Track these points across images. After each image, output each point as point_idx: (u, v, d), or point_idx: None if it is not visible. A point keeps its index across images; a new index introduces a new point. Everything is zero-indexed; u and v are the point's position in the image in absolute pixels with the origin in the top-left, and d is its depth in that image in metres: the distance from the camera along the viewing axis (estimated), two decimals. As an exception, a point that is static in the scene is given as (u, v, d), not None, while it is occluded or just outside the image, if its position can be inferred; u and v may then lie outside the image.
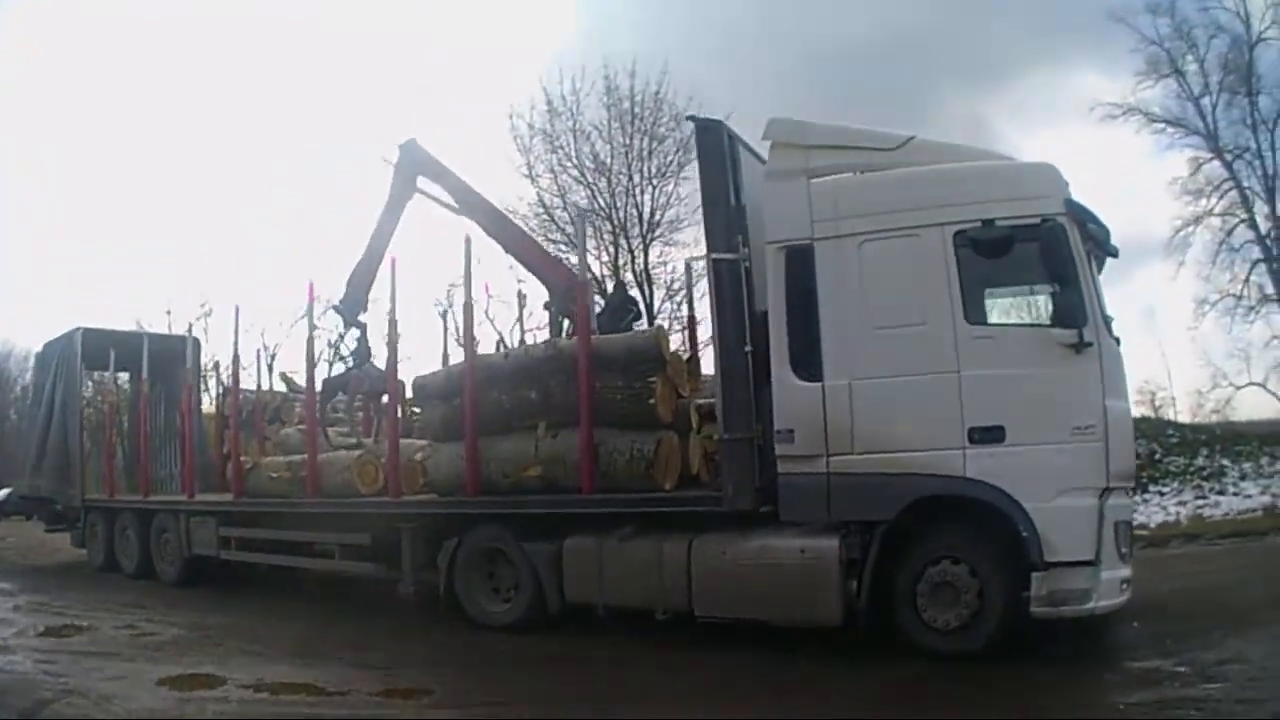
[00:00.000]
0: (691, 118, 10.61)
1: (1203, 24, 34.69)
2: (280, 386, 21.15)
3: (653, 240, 31.33)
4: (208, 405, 22.25)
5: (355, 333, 15.02)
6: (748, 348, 9.49)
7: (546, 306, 15.22)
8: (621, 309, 16.32)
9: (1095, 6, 45.87)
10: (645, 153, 31.13)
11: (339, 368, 15.42)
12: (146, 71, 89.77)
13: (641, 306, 17.22)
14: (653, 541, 9.92)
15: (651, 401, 10.39)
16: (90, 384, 22.67)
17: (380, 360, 14.41)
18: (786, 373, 9.30)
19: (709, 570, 9.44)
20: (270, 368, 26.32)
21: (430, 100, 61.35)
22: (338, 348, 15.62)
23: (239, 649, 11.41)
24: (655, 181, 31.32)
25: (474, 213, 14.69)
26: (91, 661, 10.74)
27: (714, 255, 9.55)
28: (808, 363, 9.20)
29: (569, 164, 31.58)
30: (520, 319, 17.89)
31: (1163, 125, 36.81)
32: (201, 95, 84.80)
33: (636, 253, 31.49)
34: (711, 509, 9.59)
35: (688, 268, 16.05)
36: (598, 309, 15.25)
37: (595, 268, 29.37)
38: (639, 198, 31.14)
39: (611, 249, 31.71)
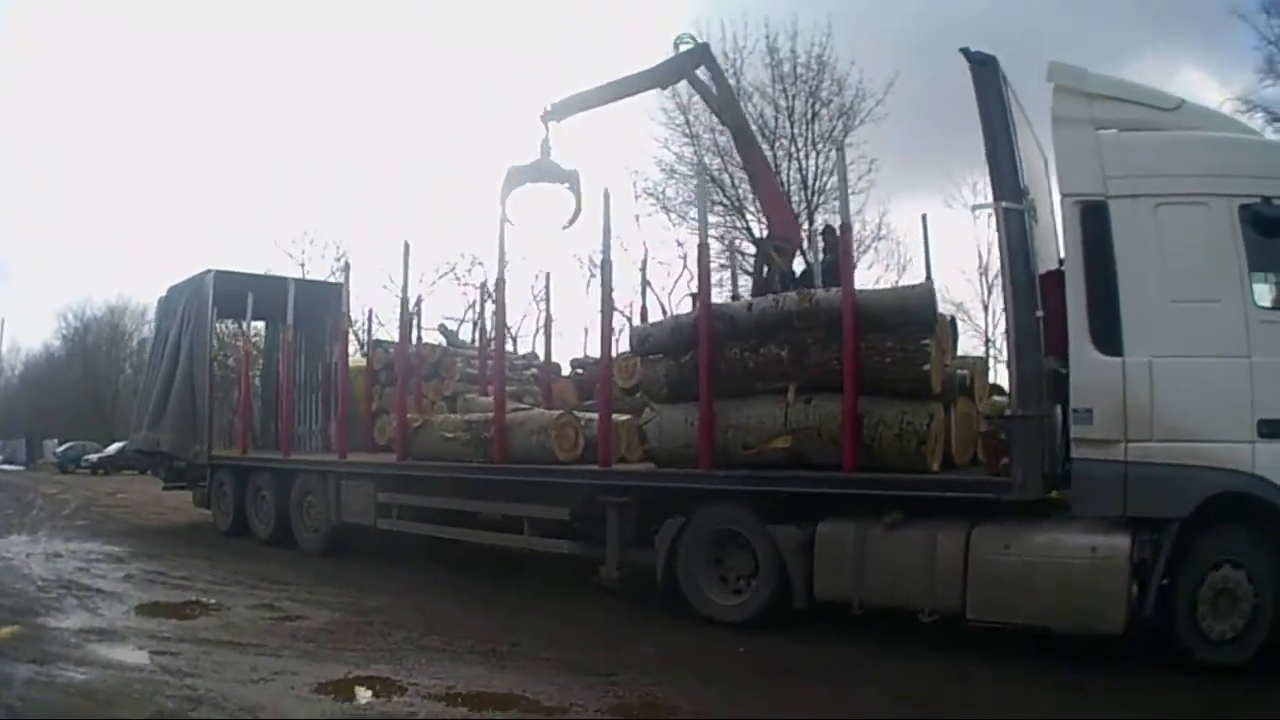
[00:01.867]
0: (964, 51, 8.91)
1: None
2: (438, 339, 18.54)
3: (818, 206, 29.88)
4: (355, 358, 19.87)
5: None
6: (1039, 312, 8.21)
7: (756, 243, 15.45)
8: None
9: (1198, 4, 43.17)
10: (809, 116, 30.07)
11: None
12: (275, 22, 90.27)
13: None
14: (925, 531, 8.33)
15: (926, 367, 8.84)
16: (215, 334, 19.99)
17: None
18: (1086, 344, 8.02)
19: (989, 567, 7.97)
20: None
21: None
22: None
23: (413, 642, 9.18)
24: (819, 146, 30.17)
25: (734, 122, 15.09)
26: (225, 655, 8.50)
27: (1005, 204, 8.29)
28: (1107, 334, 7.97)
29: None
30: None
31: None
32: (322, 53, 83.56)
33: (800, 219, 29.24)
34: (998, 496, 8.11)
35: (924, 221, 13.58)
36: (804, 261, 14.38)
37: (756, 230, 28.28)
38: (803, 162, 30.04)
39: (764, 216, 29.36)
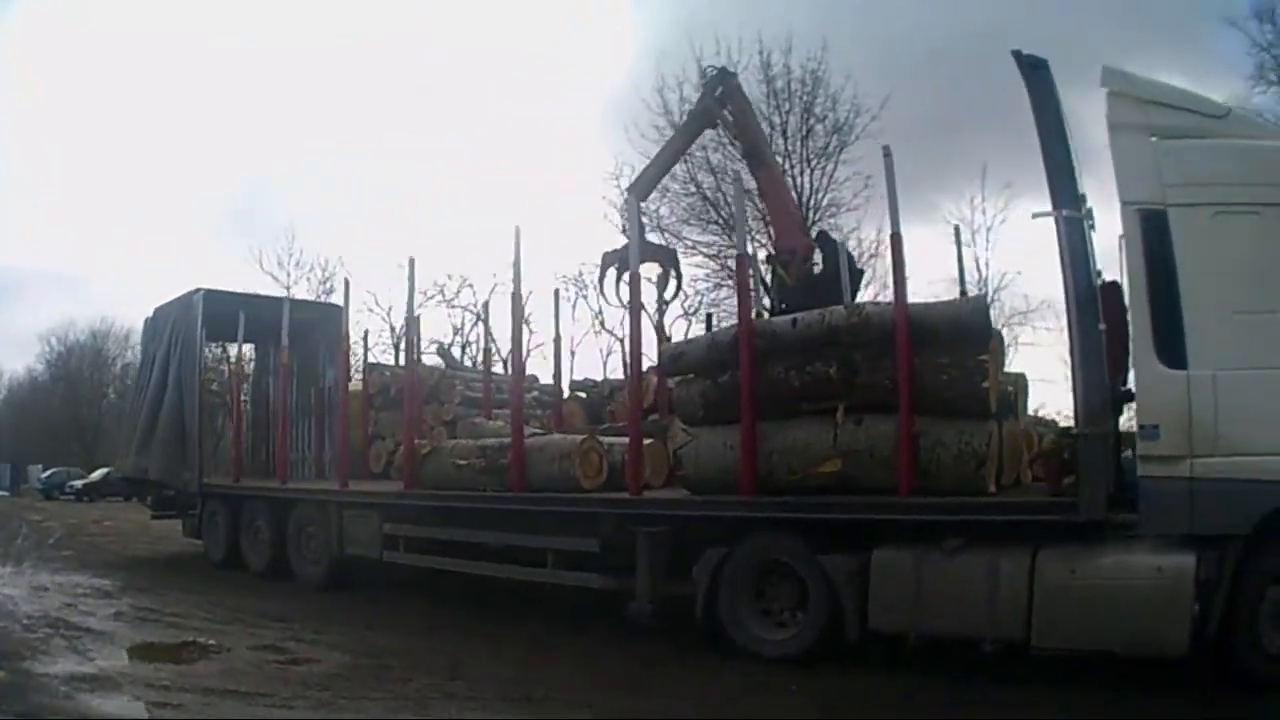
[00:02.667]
0: (1016, 54, 8.60)
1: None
2: (435, 361, 17.56)
3: (813, 224, 28.42)
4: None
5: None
6: (1101, 325, 7.89)
7: (769, 260, 14.19)
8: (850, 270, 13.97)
9: (1178, 9, 43.31)
10: (803, 132, 29.66)
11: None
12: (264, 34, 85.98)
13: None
14: (987, 557, 7.80)
15: (985, 384, 8.29)
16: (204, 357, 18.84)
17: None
18: (1151, 358, 7.74)
19: (1054, 592, 7.50)
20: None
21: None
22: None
23: (437, 689, 8.30)
24: (813, 162, 29.87)
25: (751, 142, 15.48)
26: (230, 706, 7.62)
27: (1064, 213, 7.93)
28: (1172, 347, 7.67)
29: (724, 138, 28.37)
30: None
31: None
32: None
33: None
34: (1066, 518, 7.66)
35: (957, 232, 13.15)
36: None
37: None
38: (797, 179, 29.24)
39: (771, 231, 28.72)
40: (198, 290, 16.84)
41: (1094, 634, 7.43)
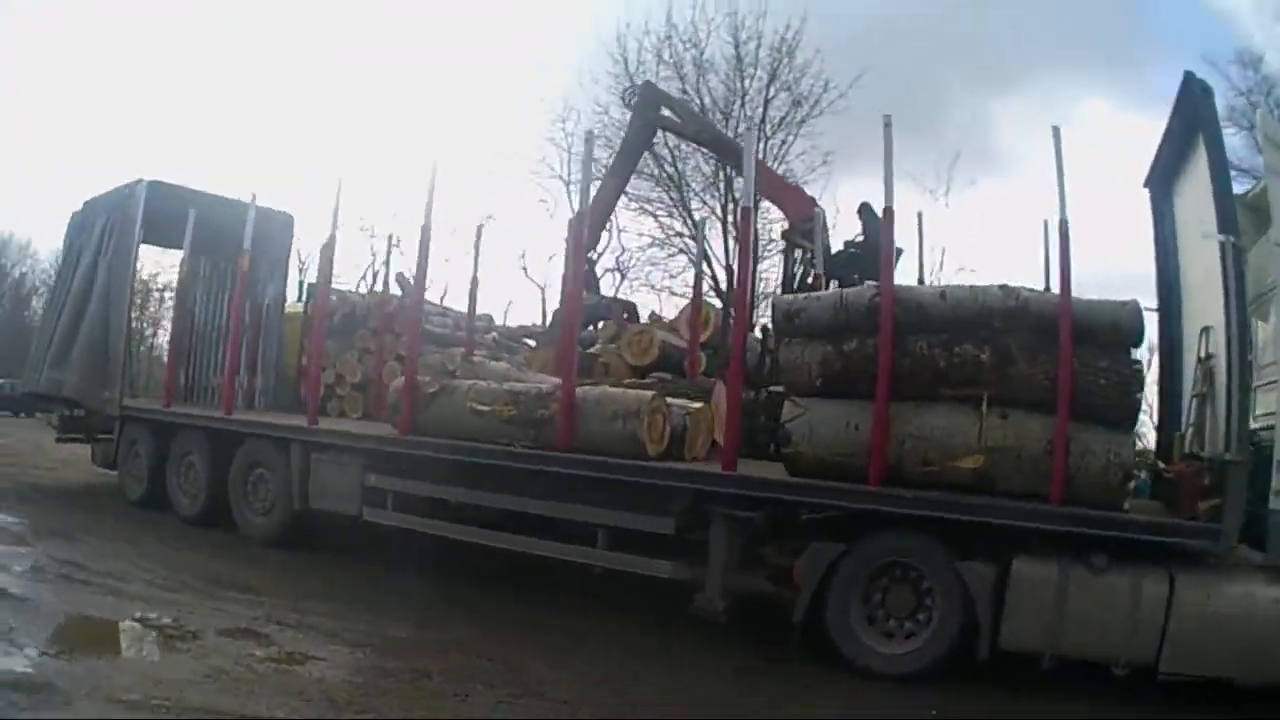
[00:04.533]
0: (1190, 75, 8.25)
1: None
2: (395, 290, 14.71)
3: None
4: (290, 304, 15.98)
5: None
6: (1250, 355, 7.43)
7: (784, 235, 13.26)
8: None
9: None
10: (764, 99, 27.54)
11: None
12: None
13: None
14: (1131, 577, 6.93)
15: (1139, 395, 7.56)
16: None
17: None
18: None
19: (1189, 618, 6.79)
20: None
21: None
22: None
23: (510, 710, 6.14)
24: (770, 131, 27.59)
25: (710, 139, 15.65)
26: None
27: (1231, 239, 7.23)
28: None
29: (690, 96, 26.81)
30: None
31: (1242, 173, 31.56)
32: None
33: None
34: (1210, 545, 6.89)
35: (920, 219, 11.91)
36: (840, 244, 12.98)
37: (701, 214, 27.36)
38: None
39: (723, 195, 27.85)
40: (139, 181, 13.55)
41: (1220, 661, 6.79)
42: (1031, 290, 7.74)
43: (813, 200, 13.34)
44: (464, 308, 13.68)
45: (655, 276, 29.68)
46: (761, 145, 26.60)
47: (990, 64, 45.20)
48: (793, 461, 7.88)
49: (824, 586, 7.49)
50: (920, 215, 9.09)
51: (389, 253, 15.37)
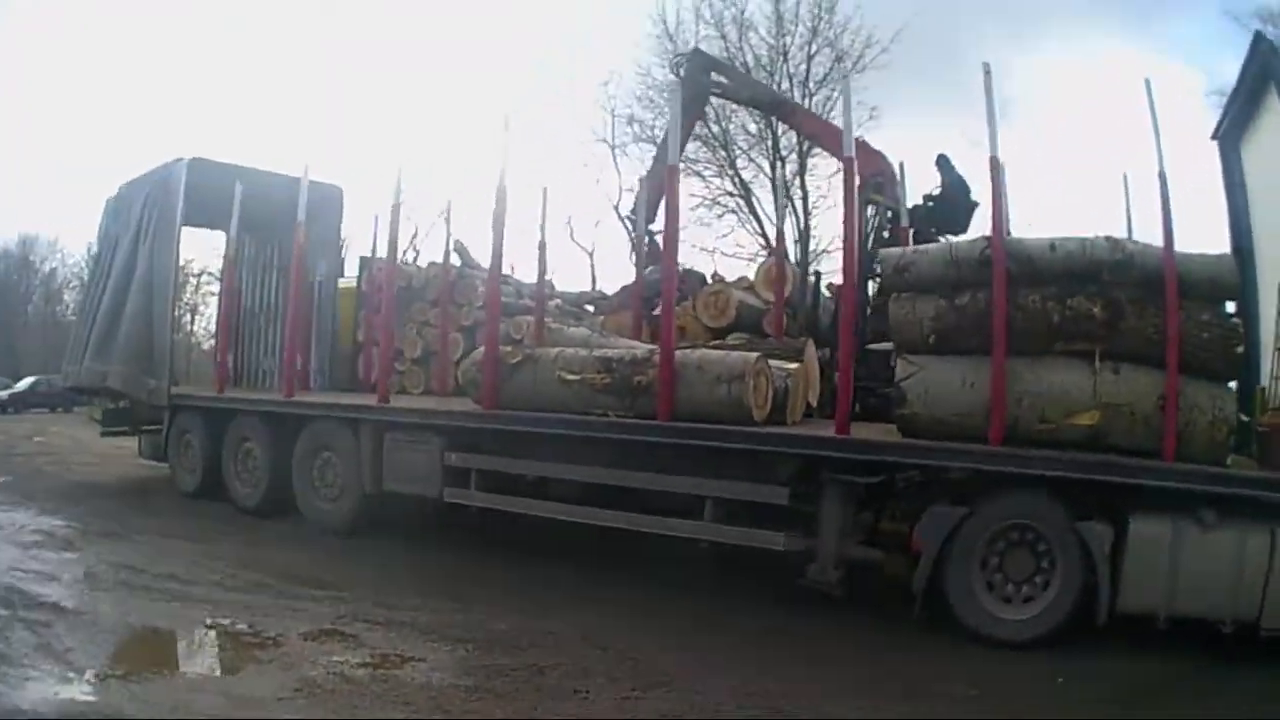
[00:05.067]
0: (1259, 36, 8.61)
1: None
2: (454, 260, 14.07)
3: (810, 151, 26.02)
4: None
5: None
6: None
7: (859, 192, 11.21)
8: (961, 190, 11.85)
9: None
10: (808, 55, 26.92)
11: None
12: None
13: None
14: (1237, 533, 6.63)
15: (1239, 349, 7.31)
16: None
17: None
18: None
19: None
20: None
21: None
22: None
23: (630, 696, 5.60)
24: (813, 89, 26.96)
25: (766, 102, 14.94)
26: None
27: None
28: None
29: (736, 55, 26.38)
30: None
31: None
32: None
33: (789, 160, 27.03)
34: None
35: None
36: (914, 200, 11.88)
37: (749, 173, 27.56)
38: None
39: (771, 154, 27.25)
40: (179, 159, 12.77)
41: None
42: (1135, 243, 7.47)
43: (880, 154, 12.39)
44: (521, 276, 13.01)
45: (705, 238, 28.84)
46: (807, 101, 25.87)
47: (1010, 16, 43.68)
48: (909, 422, 7.41)
49: (944, 553, 7.11)
50: (998, 163, 8.23)
51: (448, 221, 14.52)
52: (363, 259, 14.88)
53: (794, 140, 26.45)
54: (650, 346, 9.10)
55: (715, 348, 9.11)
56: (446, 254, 13.66)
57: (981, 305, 7.20)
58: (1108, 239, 7.36)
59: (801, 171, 26.92)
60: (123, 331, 12.87)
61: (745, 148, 27.47)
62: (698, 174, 27.75)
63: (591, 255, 30.78)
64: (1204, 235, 7.25)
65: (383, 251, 12.37)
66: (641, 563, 8.65)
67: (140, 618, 6.91)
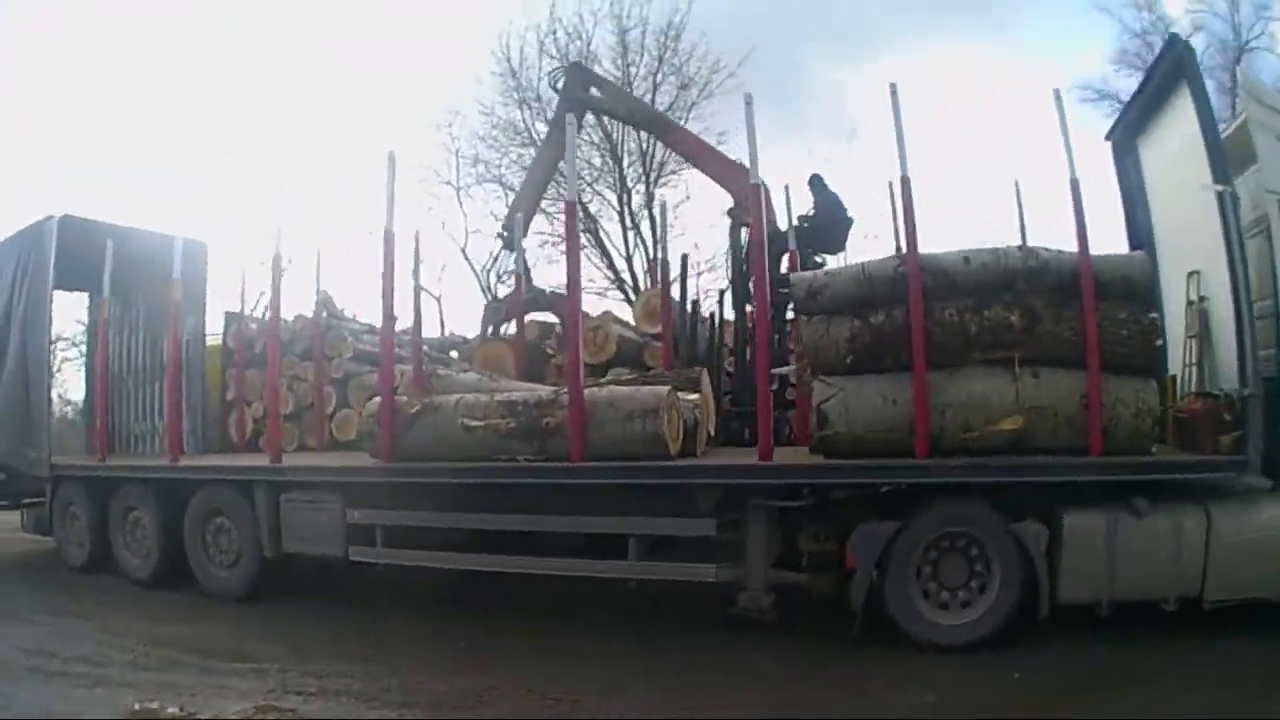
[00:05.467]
0: (1174, 36, 9.11)
1: (1185, 25, 29.83)
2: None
3: (656, 181, 27.09)
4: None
5: (514, 256, 13.21)
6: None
7: (730, 214, 12.30)
8: (837, 209, 12.03)
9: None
10: (653, 85, 26.90)
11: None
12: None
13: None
14: (1170, 516, 7.11)
15: (1159, 343, 7.93)
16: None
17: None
18: None
19: (1227, 546, 7.03)
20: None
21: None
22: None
23: None
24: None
25: (644, 118, 14.63)
26: None
27: (1230, 189, 7.38)
28: None
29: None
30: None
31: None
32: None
33: (635, 192, 27.45)
34: (1236, 476, 7.16)
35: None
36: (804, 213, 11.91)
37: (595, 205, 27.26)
38: (641, 136, 25.86)
39: (618, 186, 27.45)
40: (49, 218, 12.15)
41: (1258, 584, 7.08)
42: (1048, 250, 7.62)
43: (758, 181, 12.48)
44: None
45: (552, 275, 28.60)
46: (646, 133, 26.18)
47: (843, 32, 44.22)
48: (831, 443, 7.46)
49: (879, 567, 7.28)
50: (908, 181, 8.40)
51: (317, 271, 13.96)
52: (229, 314, 14.44)
53: (640, 171, 26.95)
54: (550, 387, 8.96)
55: (618, 383, 9.02)
56: (318, 306, 13.37)
57: (898, 322, 7.34)
58: (1020, 248, 7.66)
59: (649, 202, 26.89)
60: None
61: (590, 180, 27.03)
62: (542, 211, 27.52)
63: (439, 300, 30.44)
64: (1095, 234, 7.38)
65: (250, 306, 12.05)
66: (563, 604, 8.52)
67: (65, 707, 6.44)
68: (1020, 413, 7.18)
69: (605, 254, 27.81)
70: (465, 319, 40.50)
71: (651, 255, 26.11)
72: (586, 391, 7.94)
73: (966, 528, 7.26)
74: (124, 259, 11.76)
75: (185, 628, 8.67)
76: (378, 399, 8.99)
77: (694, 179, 22.61)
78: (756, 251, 8.50)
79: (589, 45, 27.01)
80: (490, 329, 13.94)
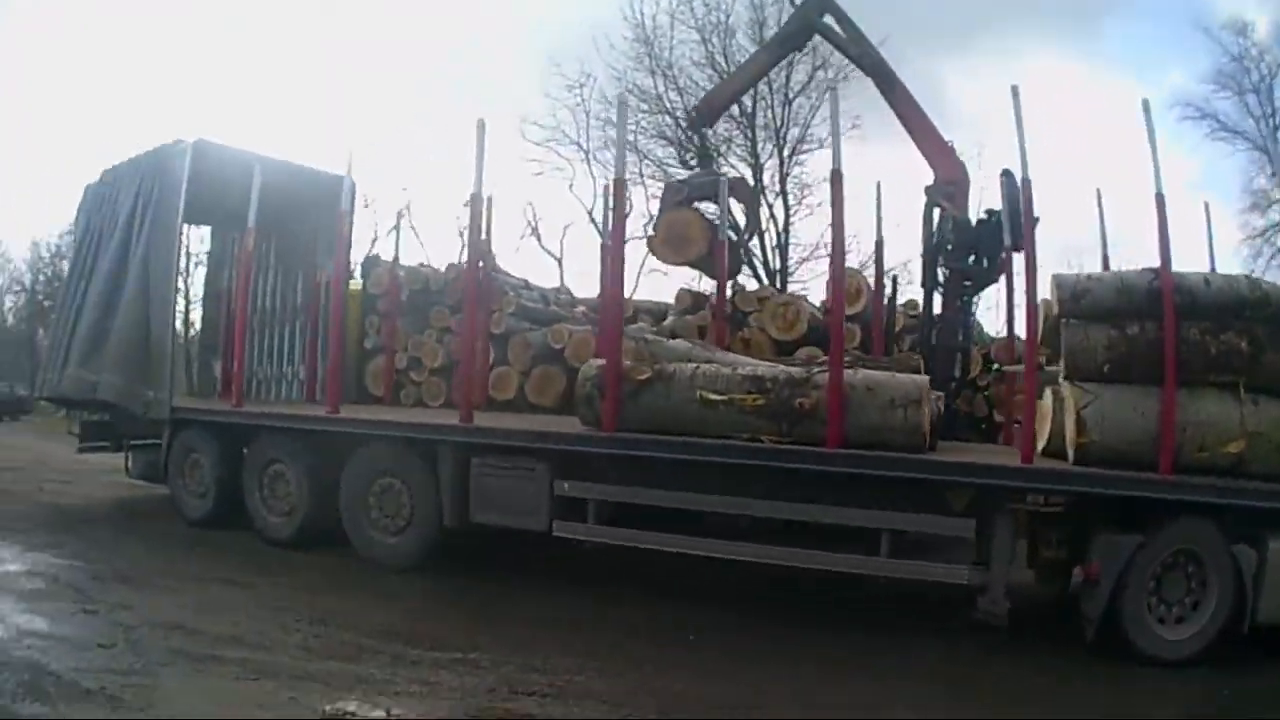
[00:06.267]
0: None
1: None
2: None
3: (791, 155, 26.77)
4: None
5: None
6: None
7: (927, 191, 11.97)
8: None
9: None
10: (789, 61, 25.05)
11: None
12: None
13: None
14: None
15: None
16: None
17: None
18: None
19: None
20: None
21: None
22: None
23: None
24: (792, 97, 26.72)
25: (871, 62, 13.49)
26: None
27: None
28: None
29: (716, 58, 26.41)
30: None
31: (1231, 134, 32.32)
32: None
33: (768, 166, 26.95)
34: None
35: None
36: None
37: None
38: (775, 109, 26.25)
39: (752, 158, 26.74)
40: (179, 141, 11.42)
41: None
42: (1269, 283, 7.90)
43: (961, 164, 12.32)
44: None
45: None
46: (784, 111, 26.23)
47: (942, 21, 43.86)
48: (1084, 450, 7.46)
49: (1122, 579, 7.26)
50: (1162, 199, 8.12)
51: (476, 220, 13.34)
52: (367, 259, 13.83)
53: (772, 147, 26.66)
54: (783, 367, 8.38)
55: (871, 367, 8.53)
56: (473, 256, 12.70)
57: (1150, 335, 7.44)
58: (1247, 277, 7.98)
59: (783, 178, 26.79)
60: (114, 338, 11.52)
61: (722, 152, 26.76)
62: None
63: (560, 261, 29.84)
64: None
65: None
66: (778, 595, 8.25)
67: (225, 708, 5.34)
68: (1243, 436, 7.35)
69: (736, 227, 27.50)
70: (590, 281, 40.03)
71: (780, 232, 26.29)
72: (848, 375, 7.56)
73: (1194, 546, 7.33)
74: (263, 191, 11.01)
75: (349, 601, 7.93)
76: (597, 361, 8.48)
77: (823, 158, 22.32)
78: (1028, 240, 8.11)
79: (728, 17, 26.88)
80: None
